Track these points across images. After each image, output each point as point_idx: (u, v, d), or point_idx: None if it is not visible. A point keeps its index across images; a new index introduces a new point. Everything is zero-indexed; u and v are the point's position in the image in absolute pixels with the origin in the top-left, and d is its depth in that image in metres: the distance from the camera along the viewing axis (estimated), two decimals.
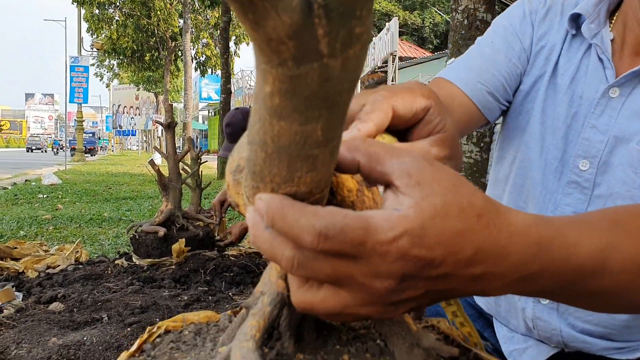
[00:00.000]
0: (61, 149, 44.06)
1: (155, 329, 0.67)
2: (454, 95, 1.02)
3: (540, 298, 1.00)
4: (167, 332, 0.68)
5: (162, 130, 4.42)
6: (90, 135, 46.02)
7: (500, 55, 1.05)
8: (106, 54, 25.95)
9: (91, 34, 24.88)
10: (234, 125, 3.54)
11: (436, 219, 0.43)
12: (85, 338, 2.49)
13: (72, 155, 28.61)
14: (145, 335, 0.64)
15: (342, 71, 0.37)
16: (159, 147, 3.93)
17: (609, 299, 0.54)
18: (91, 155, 33.25)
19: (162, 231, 3.80)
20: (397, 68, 17.23)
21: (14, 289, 3.40)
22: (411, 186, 0.44)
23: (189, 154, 4.33)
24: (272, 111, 0.40)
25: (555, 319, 0.99)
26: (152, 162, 3.79)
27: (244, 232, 4.17)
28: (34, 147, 48.88)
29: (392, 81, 16.45)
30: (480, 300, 1.18)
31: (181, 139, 22.23)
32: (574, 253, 0.50)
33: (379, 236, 0.42)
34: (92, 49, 27.52)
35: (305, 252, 0.44)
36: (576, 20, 0.99)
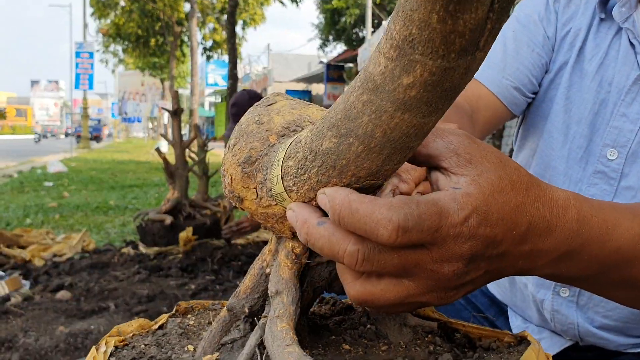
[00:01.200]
0: (66, 135, 44.42)
1: (103, 348, 0.59)
2: (480, 94, 1.03)
3: (561, 291, 0.97)
4: (116, 348, 0.62)
5: (168, 117, 4.39)
6: (96, 122, 46.13)
7: (523, 47, 1.03)
8: (111, 39, 25.88)
9: (96, 19, 24.77)
10: (240, 106, 3.50)
11: (495, 194, 0.43)
12: (92, 327, 2.48)
13: (77, 142, 28.65)
14: (95, 357, 0.55)
15: (478, 65, 0.38)
16: (165, 134, 3.90)
17: None
18: (97, 142, 33.31)
19: (169, 219, 3.79)
20: None
21: (21, 277, 3.39)
22: (462, 165, 0.44)
23: (195, 141, 4.29)
24: (401, 103, 0.40)
25: (574, 312, 0.97)
26: (158, 150, 3.76)
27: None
28: (48, 135, 49.75)
29: None
30: (494, 289, 1.16)
31: (187, 125, 22.19)
32: (613, 234, 0.50)
33: (452, 218, 0.42)
34: (97, 34, 27.44)
35: (371, 245, 0.42)
36: (605, 3, 0.96)
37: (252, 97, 3.54)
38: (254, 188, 0.54)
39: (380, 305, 0.46)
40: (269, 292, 0.57)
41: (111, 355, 0.61)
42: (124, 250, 4.01)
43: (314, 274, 0.59)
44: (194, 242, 3.80)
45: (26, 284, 3.31)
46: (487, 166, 0.44)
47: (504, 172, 0.44)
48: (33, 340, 2.32)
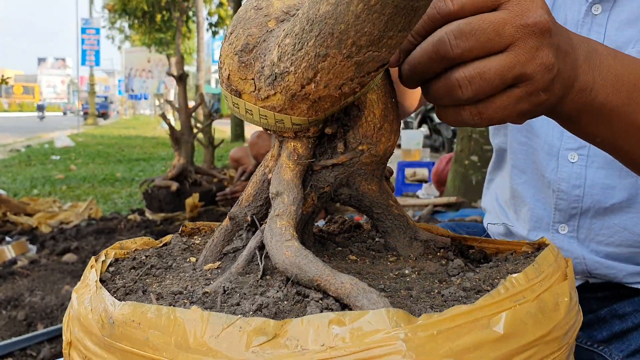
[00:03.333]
0: (71, 112, 44.23)
1: (102, 258, 0.57)
2: None
3: (560, 228, 0.96)
4: (117, 260, 0.60)
5: (174, 93, 4.35)
6: (103, 99, 46.03)
7: None
8: (117, 15, 25.70)
9: None
10: None
11: None
12: None
13: (84, 119, 28.65)
14: (94, 265, 0.54)
15: None
16: (171, 101, 3.86)
17: None
18: (104, 119, 33.30)
19: (174, 186, 3.77)
20: None
21: (28, 242, 3.40)
22: None
23: (201, 111, 4.26)
24: None
25: (577, 247, 0.96)
26: (163, 115, 3.73)
27: None
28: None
29: None
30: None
31: (194, 102, 22.13)
32: (628, 58, 0.60)
33: None
34: (103, 10, 27.26)
35: (457, 24, 0.48)
36: None
37: None
38: (252, 79, 0.50)
39: (492, 84, 0.49)
40: (270, 194, 0.54)
41: (110, 265, 0.58)
42: (131, 217, 4.00)
43: (319, 178, 0.56)
44: (199, 208, 3.78)
45: (32, 248, 3.31)
46: None
47: None
48: (39, 299, 2.32)
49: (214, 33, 24.97)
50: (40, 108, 31.90)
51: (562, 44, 0.52)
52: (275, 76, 0.47)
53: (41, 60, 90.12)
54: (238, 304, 0.45)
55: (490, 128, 1.16)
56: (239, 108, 0.53)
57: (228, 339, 0.37)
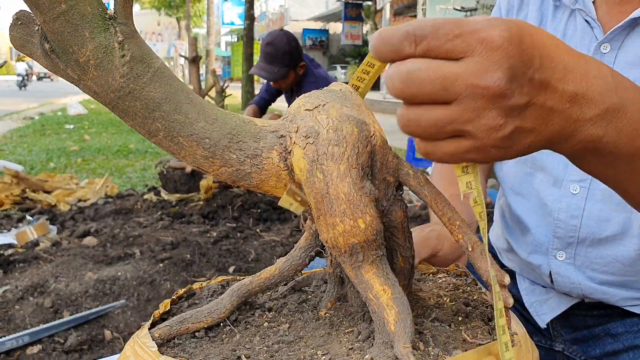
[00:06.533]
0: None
1: None
2: None
3: (558, 254, 1.01)
4: None
5: (184, 60, 4.36)
6: None
7: None
8: None
9: None
10: (276, 47, 3.38)
11: (527, 26, 0.46)
12: (119, 273, 2.58)
13: None
14: None
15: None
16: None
17: None
18: None
19: (189, 167, 3.84)
20: None
21: (48, 222, 3.50)
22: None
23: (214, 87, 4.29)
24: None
25: (573, 273, 1.01)
26: None
27: None
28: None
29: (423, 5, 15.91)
30: (502, 259, 1.20)
31: (204, 65, 22.01)
32: None
33: (474, 25, 0.44)
34: None
35: (406, 66, 0.45)
36: None
37: (290, 41, 3.43)
38: None
39: (426, 132, 0.47)
40: None
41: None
42: (147, 196, 4.09)
43: None
44: (214, 189, 3.86)
45: (53, 229, 3.42)
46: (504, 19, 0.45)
47: (523, 23, 0.46)
48: (64, 286, 2.43)
49: None
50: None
51: (547, 103, 0.47)
52: None
53: None
54: None
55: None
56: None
57: None
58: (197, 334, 0.60)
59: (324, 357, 0.53)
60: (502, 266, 1.19)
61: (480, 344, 0.53)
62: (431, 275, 0.75)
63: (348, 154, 0.52)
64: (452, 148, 0.48)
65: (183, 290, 0.70)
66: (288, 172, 0.55)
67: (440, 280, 0.72)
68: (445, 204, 0.54)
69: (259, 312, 0.64)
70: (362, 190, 0.52)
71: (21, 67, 26.88)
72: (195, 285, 0.71)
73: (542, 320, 1.08)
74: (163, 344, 0.58)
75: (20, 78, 25.49)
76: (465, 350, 0.52)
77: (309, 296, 0.67)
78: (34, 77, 36.60)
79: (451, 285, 0.71)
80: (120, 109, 0.51)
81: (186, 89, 0.54)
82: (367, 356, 0.51)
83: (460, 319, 0.60)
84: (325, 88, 0.59)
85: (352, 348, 0.54)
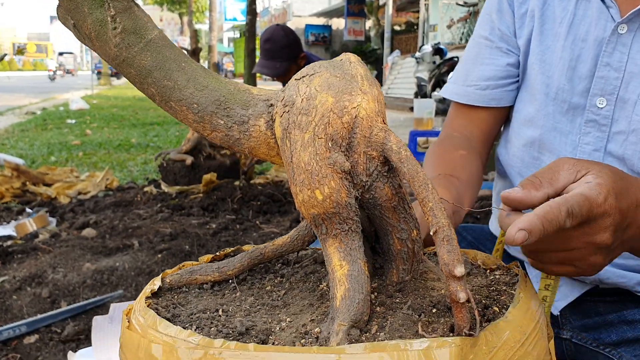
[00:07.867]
0: (69, 72, 44.73)
1: None
2: (471, 118, 1.14)
3: None
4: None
5: (186, 52, 4.35)
6: None
7: (482, 48, 1.14)
8: None
9: None
10: (274, 42, 3.37)
11: (617, 179, 0.65)
12: (117, 264, 2.57)
13: (98, 79, 28.65)
14: None
15: None
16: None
17: None
18: (117, 79, 33.27)
19: (189, 159, 3.83)
20: None
21: (48, 214, 3.49)
22: (583, 170, 0.65)
23: None
24: None
25: None
26: None
27: None
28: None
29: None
30: (509, 248, 1.17)
31: (206, 62, 21.97)
32: None
33: (597, 201, 0.62)
34: None
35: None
36: None
37: (288, 34, 3.42)
38: None
39: (546, 265, 0.68)
40: None
41: None
42: (147, 188, 4.08)
43: None
44: (215, 183, 3.85)
45: (52, 221, 3.41)
46: (599, 166, 0.65)
47: (610, 168, 0.66)
48: (61, 276, 2.42)
49: None
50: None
51: (631, 236, 0.68)
52: None
53: (53, 18, 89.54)
54: None
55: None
56: None
57: None
58: (204, 285, 0.64)
59: (283, 324, 0.54)
60: (509, 256, 1.17)
61: (423, 337, 0.49)
62: (489, 271, 0.68)
63: (315, 123, 0.52)
64: (558, 271, 0.68)
65: (231, 249, 0.73)
66: (275, 140, 0.55)
67: (491, 277, 0.65)
68: (422, 183, 0.51)
69: (270, 277, 0.66)
70: (325, 161, 0.52)
71: (52, 64, 35.01)
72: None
73: (555, 308, 1.05)
74: (166, 291, 0.63)
75: (51, 72, 32.96)
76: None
77: (324, 268, 0.65)
78: (61, 73, 41.87)
79: (493, 282, 0.64)
80: (124, 74, 0.58)
81: (180, 58, 0.58)
82: (316, 329, 0.51)
83: (434, 311, 0.54)
84: (332, 59, 0.59)
85: (313, 320, 0.54)
